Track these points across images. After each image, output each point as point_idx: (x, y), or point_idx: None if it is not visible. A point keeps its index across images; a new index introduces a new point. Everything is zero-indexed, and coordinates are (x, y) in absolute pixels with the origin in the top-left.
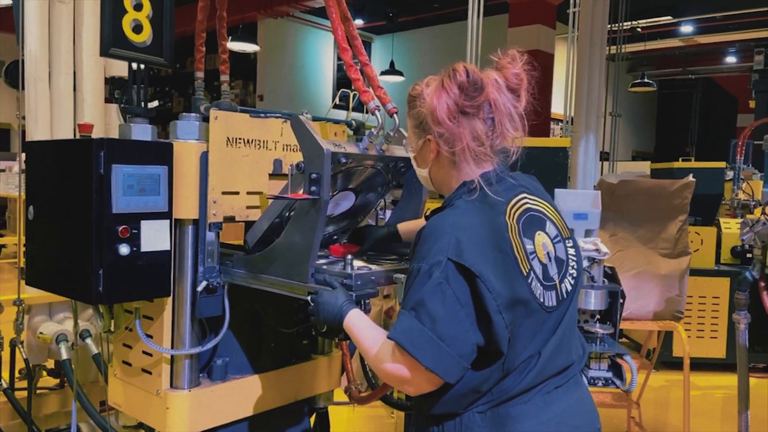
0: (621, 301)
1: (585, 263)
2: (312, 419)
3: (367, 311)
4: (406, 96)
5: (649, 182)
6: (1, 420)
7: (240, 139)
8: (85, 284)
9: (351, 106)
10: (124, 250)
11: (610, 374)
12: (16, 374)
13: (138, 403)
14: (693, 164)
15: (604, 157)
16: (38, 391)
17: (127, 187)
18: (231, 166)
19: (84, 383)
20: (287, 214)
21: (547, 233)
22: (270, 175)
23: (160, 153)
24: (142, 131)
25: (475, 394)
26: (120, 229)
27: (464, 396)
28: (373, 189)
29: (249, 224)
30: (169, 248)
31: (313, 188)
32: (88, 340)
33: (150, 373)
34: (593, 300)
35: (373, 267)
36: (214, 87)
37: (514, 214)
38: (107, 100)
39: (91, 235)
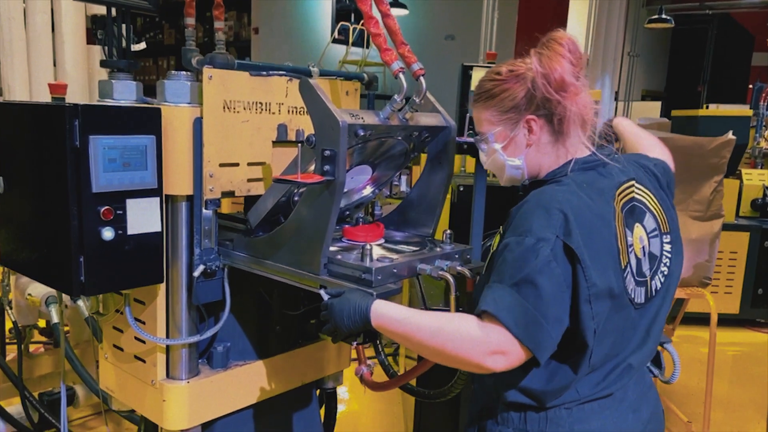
0: None
1: None
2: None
3: None
4: (476, 86)
5: (685, 140)
6: None
7: (239, 102)
8: (65, 273)
9: (351, 40)
10: (107, 234)
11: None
12: (7, 334)
13: (132, 392)
14: (717, 111)
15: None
16: (30, 351)
17: (109, 161)
18: (229, 133)
19: (78, 342)
20: (296, 191)
21: (644, 226)
22: (274, 142)
23: (147, 120)
24: (126, 89)
25: (563, 390)
26: (102, 210)
27: (552, 393)
28: (393, 160)
29: (250, 199)
30: (160, 229)
31: (327, 167)
32: (80, 302)
33: (144, 361)
34: None
35: (395, 256)
36: (206, 18)
37: (621, 201)
38: (90, 42)
39: (69, 219)
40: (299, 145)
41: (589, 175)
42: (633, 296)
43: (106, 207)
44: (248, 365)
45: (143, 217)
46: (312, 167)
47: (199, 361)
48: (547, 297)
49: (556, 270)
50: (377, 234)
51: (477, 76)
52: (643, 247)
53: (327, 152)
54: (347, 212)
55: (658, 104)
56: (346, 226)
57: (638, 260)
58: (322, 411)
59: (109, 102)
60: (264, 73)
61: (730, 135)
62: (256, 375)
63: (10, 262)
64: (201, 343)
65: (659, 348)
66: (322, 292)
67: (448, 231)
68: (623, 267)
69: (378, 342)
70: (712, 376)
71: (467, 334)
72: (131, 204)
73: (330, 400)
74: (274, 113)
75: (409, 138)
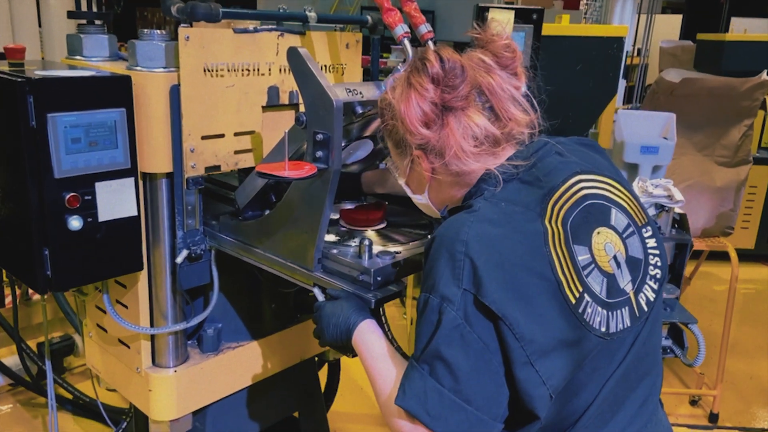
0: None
1: (652, 211)
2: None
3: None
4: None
5: (715, 81)
6: None
7: (222, 64)
8: (29, 267)
9: None
10: (75, 223)
11: (669, 342)
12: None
13: (118, 376)
14: (744, 36)
15: None
16: (29, 297)
17: (72, 141)
18: (212, 101)
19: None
20: None
21: (613, 227)
22: (264, 107)
23: (114, 91)
24: (97, 44)
25: None
26: (67, 197)
27: None
28: None
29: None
30: (136, 213)
31: (319, 153)
32: None
33: (128, 346)
34: None
35: (397, 249)
36: None
37: (559, 211)
38: None
39: (29, 208)
40: (285, 133)
41: (510, 187)
42: (605, 328)
43: (72, 194)
44: (242, 347)
45: (115, 201)
46: (304, 147)
47: (189, 342)
48: (464, 375)
49: (469, 336)
50: (377, 216)
51: (495, 19)
52: (615, 256)
53: (320, 136)
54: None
55: (679, 18)
56: (344, 207)
57: (608, 277)
58: (323, 381)
59: (78, 59)
60: (251, 29)
61: (764, 75)
62: (251, 356)
63: None
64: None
65: (683, 327)
66: (315, 290)
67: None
68: (575, 302)
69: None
70: (729, 325)
71: (397, 418)
72: (101, 187)
73: (332, 372)
74: (263, 74)
75: None
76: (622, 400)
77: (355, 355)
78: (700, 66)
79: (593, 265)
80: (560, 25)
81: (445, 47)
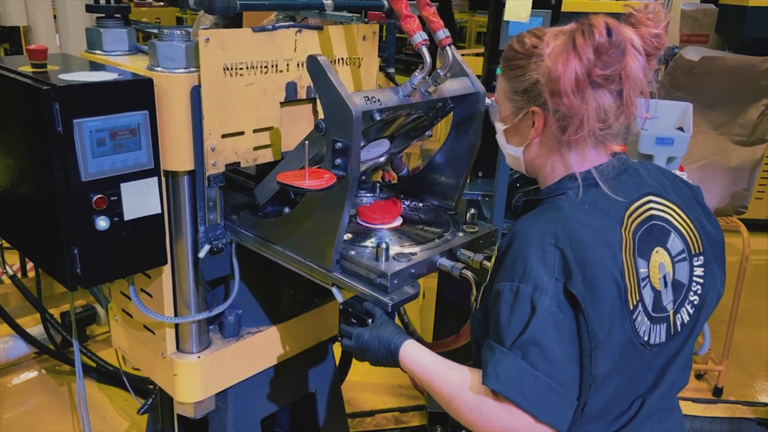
0: None
1: None
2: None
3: None
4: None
5: (735, 59)
6: (12, 303)
7: (241, 64)
8: (59, 264)
9: None
10: (102, 223)
11: None
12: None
13: (144, 359)
14: None
15: None
16: None
17: (97, 145)
18: (232, 100)
19: None
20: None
21: (667, 250)
22: (282, 103)
23: (137, 94)
24: (116, 38)
25: None
26: (95, 199)
27: None
28: (413, 131)
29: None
30: (159, 211)
31: (338, 161)
32: None
33: (153, 333)
34: None
35: (414, 250)
36: None
37: (632, 224)
38: None
39: (58, 210)
40: (305, 142)
41: (593, 193)
42: (647, 338)
43: (99, 195)
44: (261, 332)
45: (140, 201)
46: (323, 150)
47: (210, 327)
48: (558, 359)
49: (562, 324)
50: (394, 213)
51: (512, 4)
52: (665, 276)
53: (339, 144)
54: (363, 176)
55: None
56: (361, 205)
57: (656, 293)
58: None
59: (98, 54)
60: (269, 27)
61: None
62: (270, 341)
63: (6, 235)
64: None
65: None
66: (334, 289)
67: (473, 210)
68: (632, 308)
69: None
70: (738, 302)
71: (486, 410)
72: (126, 188)
73: (347, 352)
74: (281, 71)
75: (431, 108)
76: (660, 407)
77: None
78: (722, 30)
79: (647, 280)
80: (582, 1)
81: (610, 18)
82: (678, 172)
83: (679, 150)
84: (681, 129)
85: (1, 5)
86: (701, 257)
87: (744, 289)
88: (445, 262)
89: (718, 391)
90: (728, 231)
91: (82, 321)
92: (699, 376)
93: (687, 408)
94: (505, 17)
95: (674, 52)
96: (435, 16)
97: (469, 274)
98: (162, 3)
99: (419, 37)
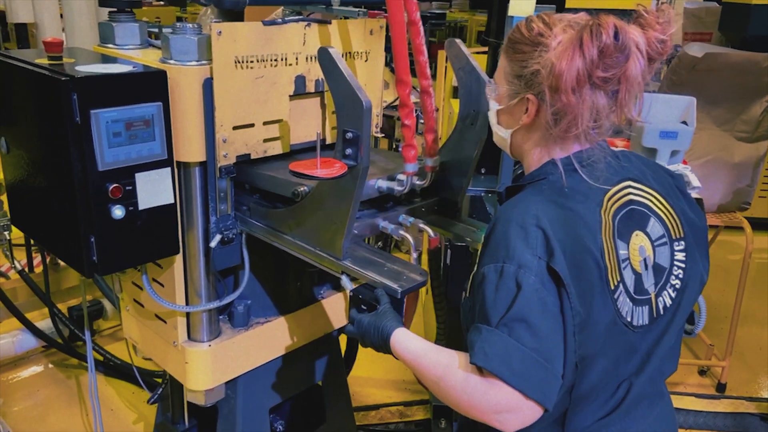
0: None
1: None
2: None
3: None
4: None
5: (739, 56)
6: (20, 298)
7: (252, 57)
8: (76, 252)
9: None
10: (118, 212)
11: None
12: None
13: (155, 348)
14: None
15: None
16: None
17: (114, 135)
18: (242, 93)
19: None
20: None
21: (647, 234)
22: (291, 96)
23: (151, 86)
24: (128, 32)
25: (555, 427)
26: (111, 188)
27: (544, 430)
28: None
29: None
30: (172, 200)
31: (349, 150)
32: None
33: (165, 322)
34: None
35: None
36: None
37: (611, 207)
38: None
39: (76, 199)
40: (318, 133)
41: (573, 178)
42: (630, 318)
43: (115, 185)
44: (270, 322)
45: (154, 190)
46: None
47: (220, 317)
48: (544, 334)
49: (548, 299)
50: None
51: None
52: (645, 259)
53: (349, 134)
54: None
55: None
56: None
57: (636, 276)
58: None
59: (110, 47)
60: (279, 21)
61: None
62: (279, 331)
63: (22, 226)
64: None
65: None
66: (344, 277)
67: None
68: (612, 288)
69: None
70: (741, 299)
71: (472, 388)
72: (140, 178)
73: (351, 342)
74: (291, 65)
75: None
76: (647, 392)
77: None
78: (725, 29)
79: (628, 262)
80: None
81: (619, 19)
82: (682, 166)
83: (683, 144)
84: (685, 123)
85: (8, 3)
86: (682, 242)
87: (748, 286)
88: (387, 225)
89: (721, 387)
90: (731, 228)
91: (90, 316)
92: (702, 372)
93: (691, 403)
94: (510, 12)
95: (677, 51)
96: (435, 142)
97: (406, 234)
98: (162, 2)
99: (411, 167)
